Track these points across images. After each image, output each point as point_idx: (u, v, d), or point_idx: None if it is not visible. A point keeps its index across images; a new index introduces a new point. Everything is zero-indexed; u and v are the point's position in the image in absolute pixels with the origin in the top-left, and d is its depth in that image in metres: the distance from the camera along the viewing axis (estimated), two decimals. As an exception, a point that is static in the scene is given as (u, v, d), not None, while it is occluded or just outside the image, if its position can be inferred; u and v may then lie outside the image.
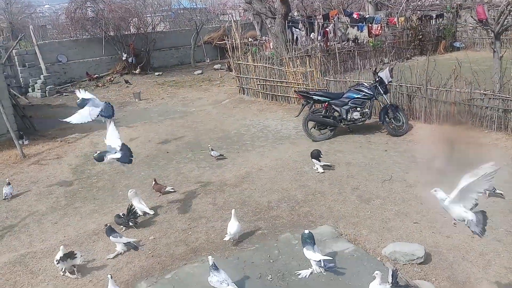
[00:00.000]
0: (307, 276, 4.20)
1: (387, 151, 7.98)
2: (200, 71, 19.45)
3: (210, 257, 4.18)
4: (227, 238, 5.07)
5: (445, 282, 4.12)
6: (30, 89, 17.73)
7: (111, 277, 4.00)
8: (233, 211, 5.11)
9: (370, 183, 6.56)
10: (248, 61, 12.96)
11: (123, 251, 5.04)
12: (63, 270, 4.74)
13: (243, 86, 13.52)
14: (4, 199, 7.09)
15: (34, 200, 7.07)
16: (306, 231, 4.33)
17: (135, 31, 20.43)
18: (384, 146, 8.25)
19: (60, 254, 4.69)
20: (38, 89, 17.50)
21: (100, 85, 18.69)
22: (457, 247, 4.69)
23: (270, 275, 4.29)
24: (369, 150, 8.07)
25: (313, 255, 4.15)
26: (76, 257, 4.70)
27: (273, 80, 12.43)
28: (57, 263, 4.71)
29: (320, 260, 4.06)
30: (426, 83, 9.16)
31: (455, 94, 8.81)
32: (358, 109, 8.97)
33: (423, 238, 4.89)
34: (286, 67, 11.90)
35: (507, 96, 8.16)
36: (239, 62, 13.31)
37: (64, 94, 17.54)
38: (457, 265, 4.38)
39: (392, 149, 8.05)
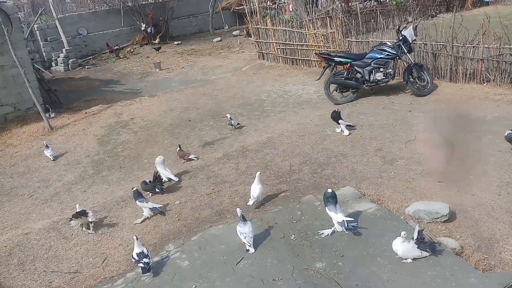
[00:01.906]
0: (329, 235, 4.25)
1: (411, 111, 7.82)
2: (219, 38, 19.26)
3: (238, 209, 4.37)
4: (250, 202, 5.13)
5: (470, 239, 4.10)
6: (53, 63, 18.01)
7: (137, 239, 4.15)
8: (258, 173, 5.16)
9: (394, 144, 6.47)
10: (267, 25, 12.72)
11: (149, 215, 5.20)
12: (77, 226, 5.17)
13: (263, 52, 13.34)
14: (53, 160, 7.74)
15: (63, 170, 7.31)
16: (329, 190, 4.33)
17: (152, 0, 20.25)
18: (408, 107, 8.07)
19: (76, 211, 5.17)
20: (60, 63, 17.75)
21: (121, 56, 18.81)
22: (483, 204, 4.62)
23: (293, 235, 4.36)
24: (393, 111, 7.92)
25: (335, 215, 4.18)
26: (88, 214, 5.10)
27: (293, 44, 12.20)
28: (70, 221, 5.15)
29: (342, 221, 4.09)
30: (452, 40, 8.82)
31: (483, 50, 8.47)
32: (381, 69, 8.76)
33: (447, 196, 4.83)
34: (306, 29, 11.63)
35: (539, 50, 7.79)
36: (257, 26, 13.09)
37: (86, 67, 17.76)
38: (482, 222, 4.33)
39: (416, 110, 7.87)
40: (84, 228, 5.19)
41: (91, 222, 5.18)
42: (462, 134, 6.55)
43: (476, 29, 8.65)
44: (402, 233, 3.74)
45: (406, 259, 3.75)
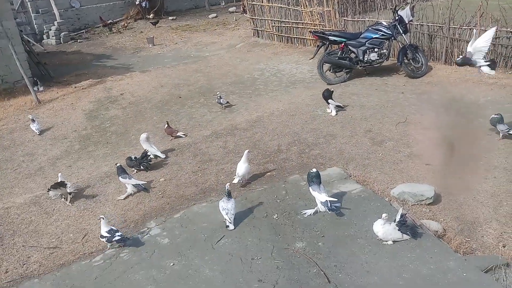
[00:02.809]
0: (312, 215, 4.21)
1: (403, 93, 7.72)
2: (214, 15, 18.90)
3: (227, 184, 4.35)
4: (236, 180, 5.07)
5: (453, 222, 4.06)
6: (44, 36, 17.63)
7: (103, 218, 4.13)
8: (246, 152, 5.08)
9: (384, 125, 6.39)
10: (262, 2, 12.45)
11: (133, 192, 5.14)
12: (57, 196, 5.17)
13: (258, 29, 13.11)
14: (39, 134, 7.61)
15: (49, 145, 7.20)
16: (313, 170, 4.27)
17: (148, -27, 19.75)
18: (401, 88, 7.97)
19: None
20: (52, 36, 17.37)
21: (114, 31, 18.46)
22: (469, 188, 4.58)
23: (276, 214, 4.31)
24: (385, 93, 7.82)
25: (318, 195, 4.12)
26: (66, 185, 5.10)
27: (288, 22, 11.97)
28: (48, 191, 5.15)
29: (325, 201, 4.03)
30: (449, 22, 8.65)
31: (479, 33, 8.30)
32: (376, 49, 8.61)
33: (434, 179, 4.78)
34: (302, 7, 11.39)
35: (536, 34, 7.66)
36: (253, 3, 12.81)
37: (78, 40, 17.41)
38: (467, 206, 4.30)
39: (409, 91, 7.77)
40: (63, 199, 5.18)
41: (69, 193, 5.16)
42: (453, 117, 6.48)
43: (474, 12, 8.48)
44: (383, 215, 3.70)
45: (386, 241, 3.71)
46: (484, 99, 7.04)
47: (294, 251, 3.74)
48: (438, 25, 8.90)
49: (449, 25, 8.67)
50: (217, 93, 8.08)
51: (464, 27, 8.53)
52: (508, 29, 7.97)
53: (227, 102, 8.01)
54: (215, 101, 8.05)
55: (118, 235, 4.04)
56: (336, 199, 4.23)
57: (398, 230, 3.65)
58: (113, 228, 4.14)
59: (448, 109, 6.80)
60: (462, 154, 5.30)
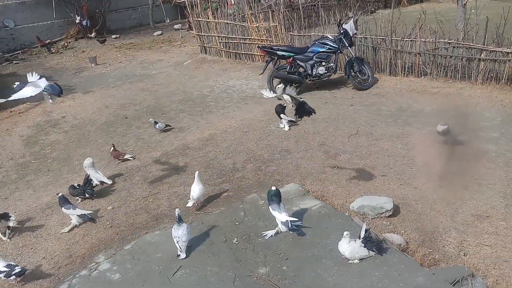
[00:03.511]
0: (273, 236, 4.03)
1: (353, 105, 7.82)
2: (159, 32, 18.54)
3: (177, 210, 4.09)
4: (190, 203, 4.82)
5: (414, 234, 4.04)
6: (-24, 58, 16.49)
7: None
8: (196, 173, 4.83)
9: (337, 138, 6.40)
10: (208, 18, 12.33)
11: (78, 223, 4.72)
12: None
13: (205, 45, 12.94)
14: None
15: (-18, 176, 6.56)
16: (273, 188, 4.11)
17: (87, -9, 19.08)
18: (350, 101, 8.08)
19: None
20: (-15, 58, 16.30)
21: (53, 51, 17.61)
22: (425, 197, 4.62)
23: (235, 238, 4.09)
24: (335, 105, 7.89)
25: (278, 215, 3.96)
26: (10, 218, 4.71)
27: (235, 38, 11.91)
28: None
29: (286, 221, 3.87)
30: (391, 34, 8.95)
31: (420, 44, 8.66)
32: (323, 63, 8.71)
33: (391, 190, 4.79)
34: (249, 23, 11.38)
35: (471, 44, 8.07)
36: (199, 19, 12.66)
37: (14, 62, 16.40)
38: (425, 215, 4.31)
39: (358, 103, 7.89)
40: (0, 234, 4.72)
41: (9, 228, 4.72)
42: (402, 127, 6.61)
43: (413, 24, 8.82)
44: (345, 233, 3.59)
45: (353, 260, 3.60)
46: (429, 108, 7.26)
47: (257, 277, 3.54)
48: (381, 37, 9.18)
49: (391, 37, 8.96)
50: (150, 119, 7.52)
51: (405, 39, 8.84)
52: (446, 40, 8.34)
53: (166, 126, 7.45)
54: (165, 119, 7.74)
55: (18, 268, 3.89)
56: (297, 219, 4.08)
57: (364, 247, 3.55)
58: (11, 263, 3.98)
59: (397, 119, 6.95)
60: (415, 163, 5.37)
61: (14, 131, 8.45)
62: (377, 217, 4.28)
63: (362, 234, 3.60)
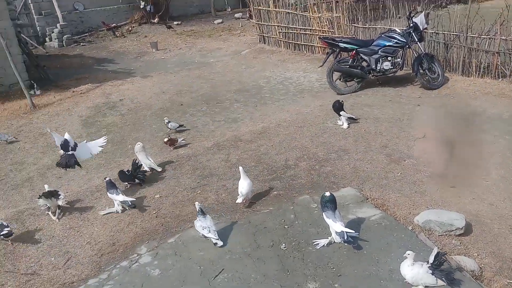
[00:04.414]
0: (325, 246, 3.67)
1: (420, 106, 7.21)
2: (220, 20, 18.51)
3: (196, 203, 4.00)
4: (239, 199, 4.53)
5: (489, 258, 3.52)
6: (47, 39, 17.29)
7: None
8: (240, 168, 4.56)
9: (401, 141, 5.88)
10: (269, 7, 11.99)
11: (120, 210, 4.62)
12: (46, 207, 4.72)
13: (264, 35, 12.65)
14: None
15: (40, 153, 6.73)
16: (327, 194, 3.75)
17: (153, -23, 19.38)
18: (417, 100, 7.46)
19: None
20: (55, 39, 17.02)
21: (118, 34, 18.13)
22: (503, 216, 4.05)
23: (284, 244, 3.78)
24: (400, 105, 7.31)
25: (333, 224, 3.58)
26: (60, 197, 4.68)
27: (296, 28, 11.49)
28: (38, 198, 4.67)
29: (341, 231, 3.50)
30: (467, 30, 8.15)
31: (499, 42, 7.82)
32: (389, 58, 8.12)
33: (462, 205, 4.26)
34: (311, 13, 10.92)
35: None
36: (259, 7, 12.36)
37: (81, 43, 17.06)
38: (503, 238, 3.76)
39: (425, 104, 7.27)
40: (50, 213, 4.72)
41: (59, 207, 4.72)
42: (476, 133, 5.96)
43: (493, 20, 7.98)
44: (407, 253, 3.14)
45: (416, 286, 3.16)
46: (508, 114, 6.51)
47: (306, 294, 3.21)
48: (454, 33, 8.41)
49: (467, 34, 8.17)
50: (165, 119, 7.08)
51: (483, 36, 8.02)
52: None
53: (180, 126, 6.98)
54: (220, 109, 7.56)
55: (6, 230, 4.13)
56: (354, 231, 3.63)
57: (432, 274, 3.08)
58: (3, 223, 4.22)
59: (470, 124, 6.29)
60: (491, 176, 4.77)
61: (74, 110, 8.65)
62: (445, 235, 3.79)
63: (431, 259, 3.12)
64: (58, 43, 16.91)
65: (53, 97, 9.63)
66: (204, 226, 3.86)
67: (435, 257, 3.11)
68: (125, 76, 11.32)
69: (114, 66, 12.98)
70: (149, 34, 17.34)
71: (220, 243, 3.84)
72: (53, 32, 17.06)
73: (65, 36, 17.03)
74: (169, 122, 6.93)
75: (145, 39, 16.71)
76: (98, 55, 14.85)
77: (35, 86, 10.07)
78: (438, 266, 3.11)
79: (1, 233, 4.09)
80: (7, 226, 4.20)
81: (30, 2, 16.76)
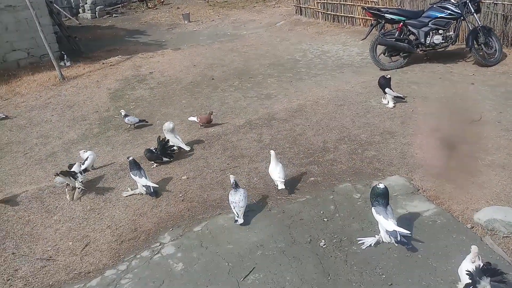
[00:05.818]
0: (372, 246, 3.20)
1: (474, 84, 6.49)
2: (255, -9, 17.79)
3: (231, 176, 3.81)
4: (281, 185, 4.00)
5: None
6: (80, 10, 17.18)
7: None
8: (272, 152, 4.10)
9: (454, 123, 5.24)
10: (308, -25, 11.26)
11: (144, 192, 4.29)
12: (64, 184, 4.52)
13: (301, 6, 11.95)
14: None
15: (66, 126, 6.50)
16: (381, 186, 3.21)
17: None
18: (470, 79, 6.73)
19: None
20: (88, 10, 16.93)
21: (150, 6, 17.84)
22: None
23: (323, 240, 3.32)
24: (452, 83, 6.61)
25: (384, 222, 3.08)
26: (77, 178, 4.43)
27: (336, -2, 10.75)
28: (55, 176, 4.50)
29: (394, 231, 3.00)
30: (532, 0, 7.25)
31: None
32: (441, 31, 7.36)
33: (530, 201, 3.66)
34: (353, -18, 10.14)
35: None
36: (297, -24, 11.64)
37: (114, 15, 16.87)
38: None
39: (480, 83, 6.53)
40: (67, 190, 4.47)
41: (78, 188, 4.43)
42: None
43: None
44: (468, 256, 2.62)
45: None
46: None
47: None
48: (516, 4, 7.50)
49: (531, 4, 7.27)
50: (121, 111, 6.20)
51: (549, 7, 7.11)
52: None
53: (141, 121, 6.11)
54: (252, 85, 7.09)
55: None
56: (407, 231, 3.11)
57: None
58: None
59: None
60: None
61: (103, 83, 8.39)
62: (511, 237, 3.23)
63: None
64: (91, 15, 16.80)
65: (83, 69, 9.41)
66: (232, 201, 3.68)
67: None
68: (156, 48, 11.00)
69: (145, 38, 12.70)
70: (182, 5, 16.93)
71: (240, 221, 3.64)
72: (86, 3, 16.93)
73: (98, 8, 16.90)
74: (126, 115, 6.04)
75: (177, 10, 16.31)
76: (130, 27, 14.59)
77: (65, 57, 9.90)
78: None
79: None
80: None
81: (63, -28, 16.59)
